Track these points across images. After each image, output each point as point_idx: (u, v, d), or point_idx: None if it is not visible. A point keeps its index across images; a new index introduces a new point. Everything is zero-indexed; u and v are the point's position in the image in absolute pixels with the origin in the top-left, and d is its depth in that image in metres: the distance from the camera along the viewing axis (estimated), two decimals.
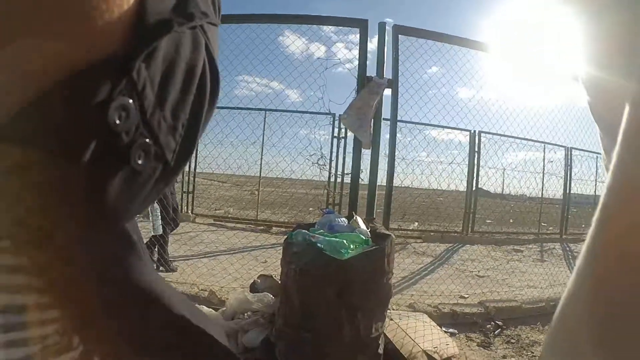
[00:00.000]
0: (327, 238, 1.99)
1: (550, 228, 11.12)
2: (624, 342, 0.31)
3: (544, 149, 10.19)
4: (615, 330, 0.32)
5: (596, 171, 11.04)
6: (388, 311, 2.54)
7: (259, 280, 3.04)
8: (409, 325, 2.90)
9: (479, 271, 5.65)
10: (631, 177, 0.31)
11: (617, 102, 0.37)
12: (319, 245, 1.92)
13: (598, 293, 0.34)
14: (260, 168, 9.06)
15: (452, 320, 3.48)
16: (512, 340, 3.21)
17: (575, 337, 0.36)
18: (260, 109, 8.21)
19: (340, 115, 7.94)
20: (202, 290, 3.67)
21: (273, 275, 3.05)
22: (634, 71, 0.32)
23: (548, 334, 0.42)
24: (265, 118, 8.64)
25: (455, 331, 3.28)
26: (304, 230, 2.12)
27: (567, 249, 8.84)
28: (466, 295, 4.33)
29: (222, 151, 8.01)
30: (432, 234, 8.84)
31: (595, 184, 11.12)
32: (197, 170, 9.08)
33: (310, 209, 8.77)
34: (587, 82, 0.54)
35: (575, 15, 0.53)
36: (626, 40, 0.45)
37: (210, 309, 2.92)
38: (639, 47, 0.42)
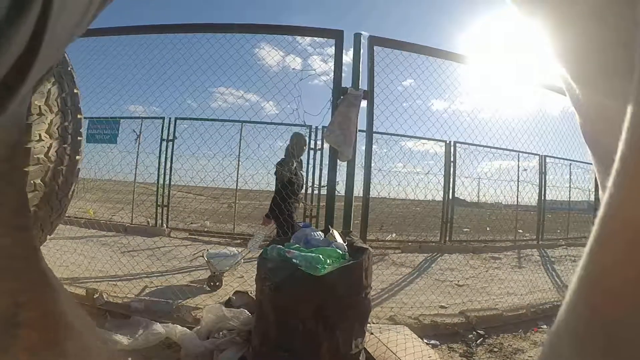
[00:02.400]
0: (302, 253, 1.92)
1: (527, 234, 11.33)
2: None
3: (518, 157, 10.44)
4: None
5: (569, 177, 11.41)
6: (368, 325, 2.49)
7: (234, 297, 2.95)
8: (389, 339, 2.86)
9: (458, 280, 5.67)
10: (629, 219, 0.28)
11: (612, 126, 0.35)
12: (294, 261, 1.86)
13: (589, 328, 0.31)
14: (237, 180, 8.95)
15: (433, 331, 3.45)
16: (495, 349, 3.19)
17: None
18: (236, 121, 8.15)
19: (317, 127, 7.98)
20: (176, 308, 3.53)
21: (249, 292, 2.96)
22: (629, 92, 0.29)
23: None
24: (241, 130, 8.57)
25: (437, 342, 3.25)
26: (279, 246, 2.05)
27: (544, 254, 9.00)
28: (446, 305, 4.31)
29: (194, 163, 7.90)
30: (410, 244, 8.85)
31: (570, 190, 11.46)
32: (172, 183, 8.93)
33: None
34: (577, 103, 0.51)
35: (544, 29, 0.51)
36: (607, 56, 0.43)
37: (185, 328, 2.80)
38: (623, 63, 0.40)
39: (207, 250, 4.86)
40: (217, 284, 4.45)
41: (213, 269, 4.49)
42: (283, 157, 4.55)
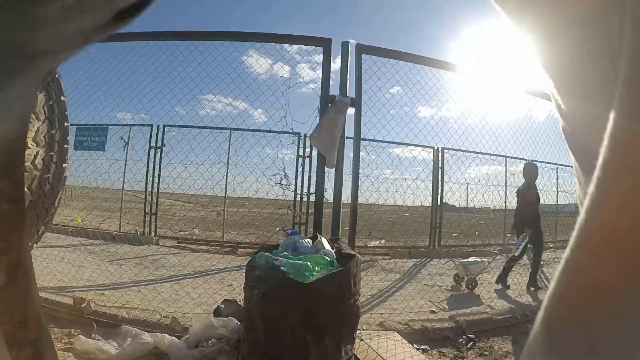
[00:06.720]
0: (290, 261, 1.92)
1: (516, 238, 11.37)
2: None
3: (506, 162, 10.56)
4: None
5: (557, 181, 11.55)
6: (358, 331, 2.48)
7: (222, 306, 2.93)
8: (379, 345, 2.85)
9: (447, 285, 5.69)
10: (609, 225, 0.30)
11: (594, 132, 0.37)
12: (282, 268, 1.86)
13: (563, 326, 0.34)
14: (226, 188, 8.92)
15: (423, 336, 3.45)
16: (485, 353, 3.20)
17: None
18: (225, 128, 8.16)
19: (306, 134, 7.98)
20: (164, 317, 3.49)
21: (238, 300, 2.95)
22: (610, 102, 0.30)
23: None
24: (230, 137, 8.56)
25: (428, 347, 3.24)
26: (266, 253, 2.05)
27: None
28: (436, 310, 4.32)
29: (183, 171, 7.90)
30: (399, 250, 8.87)
31: (557, 194, 11.60)
32: (160, 191, 8.87)
33: (277, 228, 8.67)
34: (562, 109, 0.52)
35: (532, 38, 0.53)
36: (590, 65, 0.45)
37: (173, 337, 2.77)
38: (607, 71, 0.41)
39: (462, 260, 6.01)
40: (474, 284, 5.47)
41: (469, 274, 5.51)
42: (525, 183, 6.16)
